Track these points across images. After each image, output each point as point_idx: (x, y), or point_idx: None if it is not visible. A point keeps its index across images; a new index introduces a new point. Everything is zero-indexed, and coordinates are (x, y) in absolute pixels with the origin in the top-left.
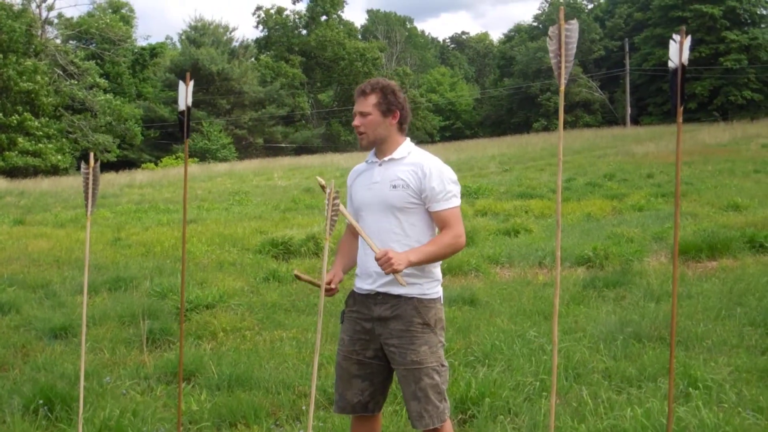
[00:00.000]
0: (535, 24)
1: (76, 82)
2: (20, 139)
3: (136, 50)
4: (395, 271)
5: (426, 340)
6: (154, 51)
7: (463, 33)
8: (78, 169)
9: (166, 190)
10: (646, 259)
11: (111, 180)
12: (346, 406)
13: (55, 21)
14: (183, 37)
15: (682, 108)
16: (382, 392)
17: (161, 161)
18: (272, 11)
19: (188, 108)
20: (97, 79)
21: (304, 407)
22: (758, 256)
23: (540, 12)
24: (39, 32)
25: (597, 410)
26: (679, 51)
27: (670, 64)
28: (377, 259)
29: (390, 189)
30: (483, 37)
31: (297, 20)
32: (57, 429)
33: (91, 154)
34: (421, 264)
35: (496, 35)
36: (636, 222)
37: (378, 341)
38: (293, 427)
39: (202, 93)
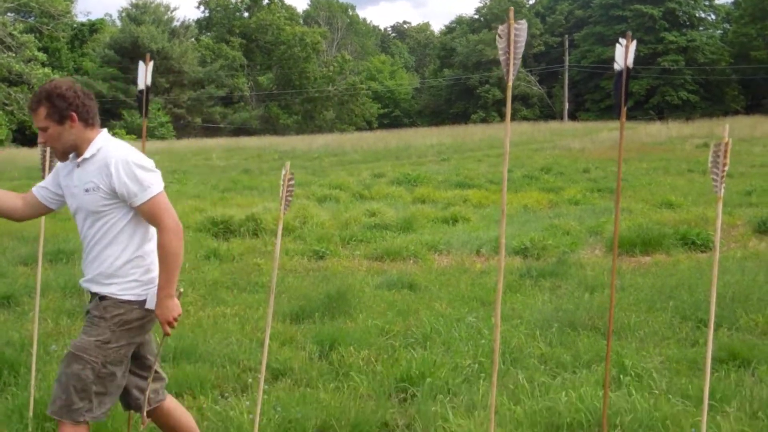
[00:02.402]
0: (476, 17)
1: (13, 55)
2: None
3: (75, 26)
4: (176, 318)
5: (97, 332)
6: (93, 27)
7: (405, 22)
8: (14, 141)
9: None
10: (581, 252)
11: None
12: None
13: None
14: (123, 14)
15: (625, 108)
16: (135, 388)
17: None
18: None
19: (147, 87)
20: (36, 53)
21: (250, 380)
22: (690, 253)
23: (482, 5)
24: None
25: (533, 393)
26: (624, 54)
27: (616, 66)
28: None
29: (84, 193)
30: (424, 27)
31: (239, 3)
32: (8, 392)
33: None
34: (174, 281)
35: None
36: (572, 215)
37: None
38: (239, 399)
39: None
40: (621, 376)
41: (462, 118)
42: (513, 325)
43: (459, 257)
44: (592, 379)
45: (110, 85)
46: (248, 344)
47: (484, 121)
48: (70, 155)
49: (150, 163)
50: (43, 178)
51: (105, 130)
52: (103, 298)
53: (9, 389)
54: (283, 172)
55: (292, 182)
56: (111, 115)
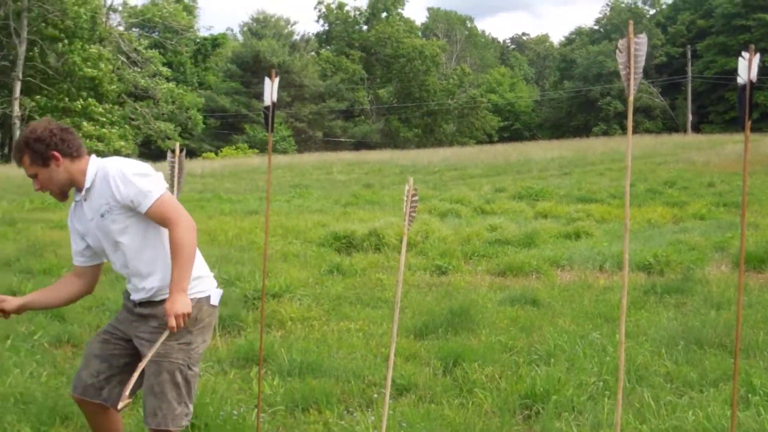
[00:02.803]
0: (596, 27)
1: (139, 70)
2: (85, 124)
3: (198, 40)
4: (185, 315)
5: (177, 336)
6: (216, 42)
7: (524, 34)
8: (140, 156)
9: (227, 180)
10: (706, 268)
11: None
12: (77, 385)
13: (120, 8)
14: (245, 28)
15: (749, 122)
16: (117, 383)
17: (221, 151)
18: (333, 6)
19: (273, 104)
20: (160, 68)
21: (375, 395)
22: None
23: (601, 16)
24: (104, 19)
25: (659, 412)
26: (747, 67)
27: (739, 80)
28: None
29: (102, 219)
30: (543, 39)
31: (357, 16)
32: (138, 403)
33: (177, 145)
34: (188, 276)
35: (556, 37)
36: (697, 230)
37: (131, 333)
38: (364, 414)
39: (262, 85)
40: (750, 396)
41: (583, 130)
42: (638, 343)
43: (582, 273)
44: (720, 399)
45: (233, 99)
46: (372, 359)
47: (605, 133)
48: (73, 192)
49: (146, 168)
50: (172, 190)
51: (93, 155)
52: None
53: (140, 401)
54: (407, 188)
55: (415, 198)
56: (233, 129)
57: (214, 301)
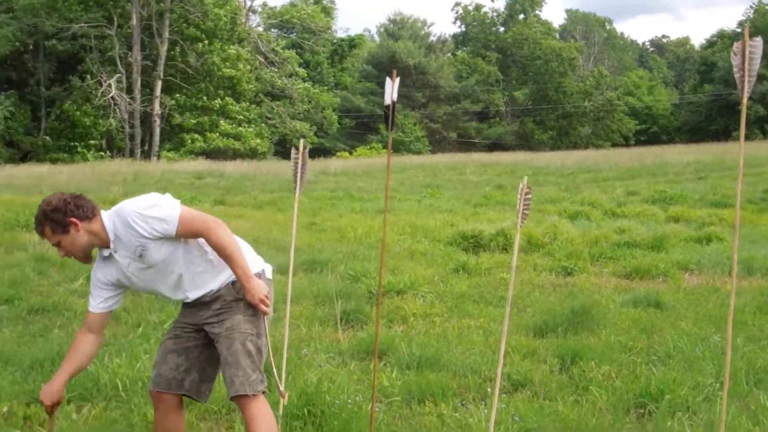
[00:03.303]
0: (738, 30)
1: (276, 70)
2: (222, 122)
3: (335, 41)
4: (267, 296)
5: (240, 311)
6: (352, 42)
7: (663, 36)
8: (275, 154)
9: (359, 179)
10: None
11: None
12: (160, 381)
13: (259, 10)
14: (381, 29)
15: None
16: (196, 372)
17: (355, 151)
18: (470, 7)
19: (393, 103)
20: (297, 68)
21: (490, 390)
22: None
23: (744, 18)
24: (243, 20)
25: None
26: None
27: None
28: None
29: (142, 260)
30: (684, 41)
31: (495, 17)
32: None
33: (301, 141)
34: (246, 265)
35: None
36: None
37: (199, 322)
38: (478, 407)
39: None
40: None
41: (722, 135)
42: (760, 347)
43: (710, 277)
44: None
45: (368, 100)
46: (491, 356)
47: (746, 139)
48: (97, 251)
49: (153, 198)
50: (295, 188)
51: (101, 211)
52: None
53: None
54: (521, 186)
55: (529, 196)
56: (368, 129)
57: (268, 275)
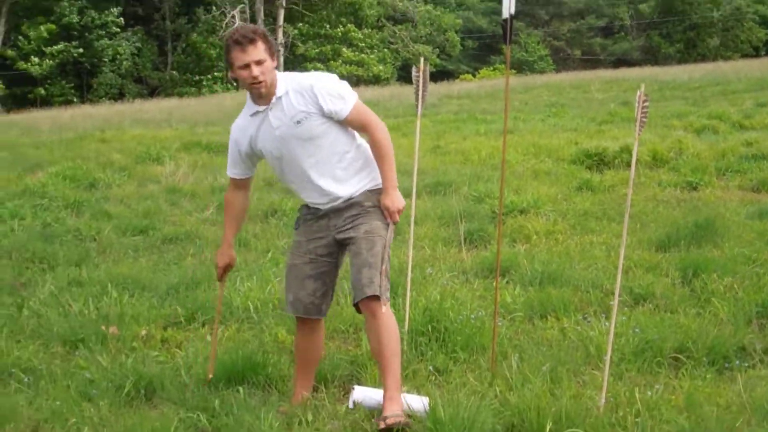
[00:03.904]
0: None
1: None
2: (345, 50)
3: None
4: (401, 210)
5: (378, 217)
6: None
7: None
8: (398, 79)
9: (483, 101)
10: None
11: (431, 90)
12: (299, 307)
13: None
14: None
15: None
16: (330, 294)
17: (479, 72)
18: None
19: (511, 16)
20: None
21: (611, 303)
22: None
23: None
24: None
25: None
26: None
27: None
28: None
29: (297, 126)
30: None
31: None
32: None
33: (422, 59)
34: (394, 172)
35: None
36: None
37: (331, 235)
38: (599, 320)
39: (521, 3)
40: None
41: None
42: None
43: None
44: None
45: (490, 20)
46: (613, 270)
47: None
48: (248, 107)
49: (337, 78)
50: (417, 106)
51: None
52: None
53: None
54: (638, 94)
55: (646, 104)
56: (491, 50)
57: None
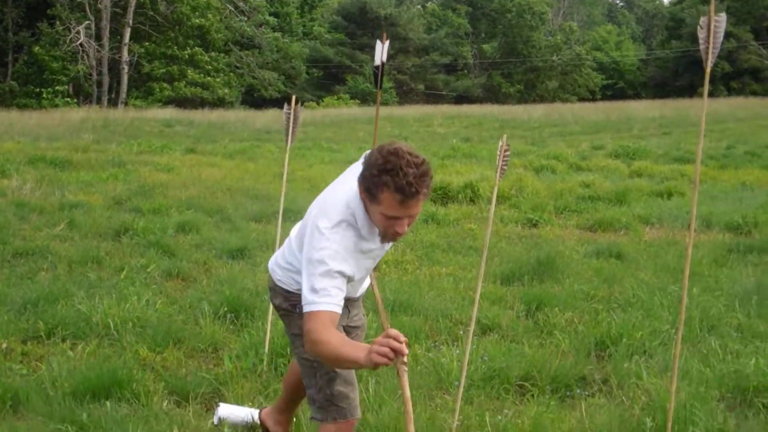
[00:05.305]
0: None
1: (246, 19)
2: (190, 71)
3: None
4: None
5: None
6: None
7: None
8: (242, 103)
9: (328, 130)
10: None
11: (275, 116)
12: (358, 405)
13: None
14: None
15: None
16: None
17: (323, 101)
18: None
19: (383, 63)
20: (267, 17)
21: (461, 332)
22: None
23: None
24: None
25: (724, 358)
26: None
27: None
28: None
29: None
30: None
31: None
32: (246, 331)
33: (293, 97)
34: None
35: None
36: None
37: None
38: (450, 348)
39: (366, 37)
40: None
41: (688, 91)
42: (714, 296)
43: (670, 231)
44: None
45: (337, 50)
46: (461, 301)
47: (710, 95)
48: (364, 231)
49: None
50: (287, 142)
51: None
52: None
53: (246, 330)
54: (500, 143)
55: (507, 153)
56: (336, 80)
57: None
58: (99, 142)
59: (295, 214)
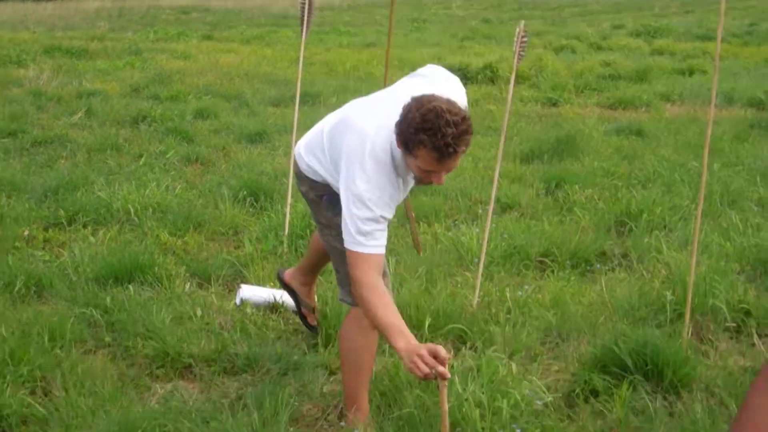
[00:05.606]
0: None
1: None
2: None
3: None
4: None
5: None
6: None
7: None
8: None
9: (345, 14)
10: None
11: (292, 1)
12: None
13: None
14: None
15: None
16: None
17: None
18: None
19: None
20: None
21: (480, 211)
22: None
23: None
24: None
25: (745, 231)
26: None
27: None
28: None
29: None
30: None
31: None
32: (265, 214)
33: None
34: None
35: None
36: None
37: None
38: (470, 227)
39: None
40: None
41: None
42: (735, 171)
43: (691, 107)
44: None
45: None
46: (480, 180)
47: None
48: (398, 166)
49: None
50: (301, 28)
51: None
52: None
53: (265, 212)
54: (517, 30)
55: (525, 39)
56: None
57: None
58: (114, 31)
59: (312, 98)
